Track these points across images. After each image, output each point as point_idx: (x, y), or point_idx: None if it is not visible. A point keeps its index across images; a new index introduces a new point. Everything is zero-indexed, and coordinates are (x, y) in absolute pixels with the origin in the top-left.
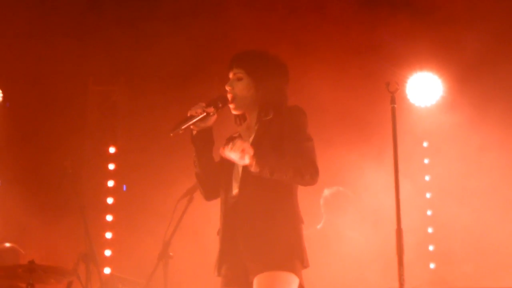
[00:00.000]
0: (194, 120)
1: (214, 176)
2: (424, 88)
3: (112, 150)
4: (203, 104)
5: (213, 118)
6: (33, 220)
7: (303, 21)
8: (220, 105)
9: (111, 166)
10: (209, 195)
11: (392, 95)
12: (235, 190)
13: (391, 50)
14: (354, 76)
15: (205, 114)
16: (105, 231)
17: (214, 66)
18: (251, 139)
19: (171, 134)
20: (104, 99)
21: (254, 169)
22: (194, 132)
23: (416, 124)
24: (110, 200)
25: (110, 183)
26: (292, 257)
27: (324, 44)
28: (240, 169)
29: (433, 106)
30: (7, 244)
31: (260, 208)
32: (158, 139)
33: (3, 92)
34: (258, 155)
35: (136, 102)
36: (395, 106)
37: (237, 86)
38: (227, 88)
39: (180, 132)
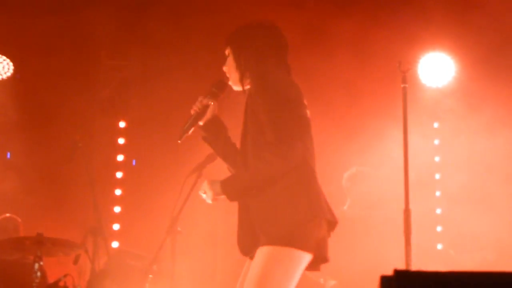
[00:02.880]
0: (195, 117)
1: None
2: (436, 68)
3: (122, 124)
4: (200, 98)
5: (214, 107)
6: (42, 193)
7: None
8: (215, 90)
9: (121, 141)
10: None
11: (404, 75)
12: None
13: (404, 29)
14: (366, 55)
15: (204, 107)
16: (113, 205)
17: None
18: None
19: (179, 141)
20: (116, 74)
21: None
22: (202, 130)
23: (427, 105)
24: (119, 174)
25: (120, 158)
26: (299, 226)
27: (335, 24)
28: None
29: (444, 87)
30: (7, 214)
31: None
32: (168, 114)
33: (14, 65)
34: (225, 189)
35: (147, 77)
36: (407, 86)
37: (227, 62)
38: (224, 69)
39: (188, 134)
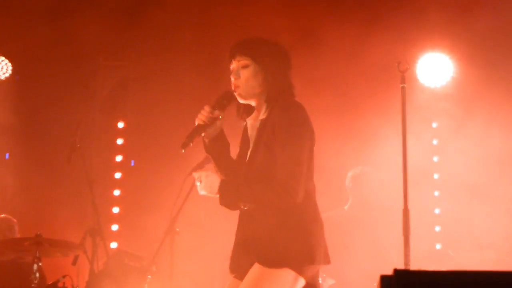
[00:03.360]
0: (202, 128)
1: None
2: (435, 68)
3: (121, 125)
4: (208, 109)
5: (222, 120)
6: (41, 194)
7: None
8: (225, 102)
9: (120, 141)
10: None
11: (402, 75)
12: None
13: (403, 29)
14: (365, 55)
15: (213, 119)
16: (112, 205)
17: (226, 41)
18: (253, 139)
19: (183, 151)
20: (114, 74)
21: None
22: (207, 141)
23: (425, 105)
24: (118, 175)
25: (118, 158)
26: (295, 254)
27: (334, 25)
28: None
29: (443, 87)
30: (2, 215)
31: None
32: (167, 114)
33: (13, 66)
34: (223, 192)
35: (146, 78)
36: (405, 86)
37: (243, 73)
38: (233, 77)
39: (191, 145)
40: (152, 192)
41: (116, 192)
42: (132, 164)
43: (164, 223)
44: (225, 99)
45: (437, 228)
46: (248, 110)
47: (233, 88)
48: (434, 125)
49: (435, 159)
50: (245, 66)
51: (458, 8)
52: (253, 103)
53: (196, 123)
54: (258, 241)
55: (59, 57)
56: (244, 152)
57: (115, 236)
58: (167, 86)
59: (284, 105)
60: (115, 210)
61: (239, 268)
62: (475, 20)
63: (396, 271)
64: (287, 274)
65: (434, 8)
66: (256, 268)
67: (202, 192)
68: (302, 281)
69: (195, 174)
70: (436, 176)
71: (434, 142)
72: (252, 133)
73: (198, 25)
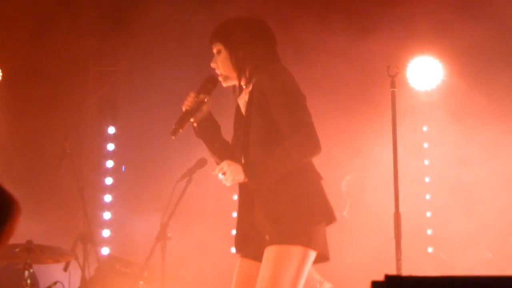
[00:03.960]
0: (190, 113)
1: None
2: (425, 72)
3: (111, 130)
4: (193, 94)
5: (209, 104)
6: (31, 200)
7: (303, 5)
8: (210, 86)
9: (111, 147)
10: None
11: (392, 79)
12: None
13: (392, 34)
14: (354, 59)
15: (199, 103)
16: (103, 211)
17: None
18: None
19: (173, 137)
20: (105, 80)
21: (252, 186)
22: (195, 125)
23: (416, 108)
24: (109, 181)
25: (109, 164)
26: (306, 225)
27: (324, 28)
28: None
29: (433, 90)
30: None
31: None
32: (157, 119)
33: (2, 72)
34: (249, 173)
35: (136, 83)
36: (395, 90)
37: (219, 59)
38: (212, 65)
39: (181, 131)
40: (143, 198)
41: (107, 198)
42: (123, 169)
43: (155, 229)
44: (209, 83)
45: (429, 232)
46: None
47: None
48: (425, 128)
49: (426, 162)
50: (218, 52)
51: (447, 12)
52: (237, 83)
53: (183, 110)
54: (269, 216)
55: (49, 62)
56: (237, 133)
57: (106, 242)
58: (158, 90)
59: (267, 71)
60: (106, 215)
61: (247, 247)
62: (465, 24)
63: (387, 276)
64: (300, 249)
65: (423, 12)
66: (272, 249)
67: (228, 183)
68: (313, 254)
69: (216, 169)
70: (427, 179)
71: (425, 145)
72: (244, 109)
73: (187, 30)
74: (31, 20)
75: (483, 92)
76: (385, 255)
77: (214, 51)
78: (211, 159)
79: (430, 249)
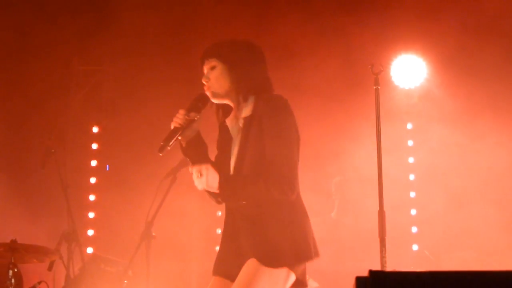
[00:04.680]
0: (179, 131)
1: None
2: (408, 70)
3: (95, 129)
4: (183, 112)
5: (198, 123)
6: (15, 200)
7: (288, 4)
8: (200, 104)
9: (94, 146)
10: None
11: (376, 77)
12: None
13: (376, 32)
14: (338, 57)
15: (189, 121)
16: (88, 211)
17: (200, 46)
18: (238, 138)
19: (160, 154)
20: (89, 79)
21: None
22: (184, 144)
23: (400, 106)
24: (93, 180)
25: (93, 163)
26: (286, 252)
27: (308, 26)
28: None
29: (417, 88)
30: None
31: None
32: (141, 119)
33: None
34: (224, 186)
35: (120, 82)
36: (379, 88)
37: (212, 74)
38: (203, 81)
39: (169, 148)
40: (128, 197)
41: (92, 197)
42: (107, 168)
43: (140, 228)
44: (200, 102)
45: (414, 229)
46: (226, 111)
47: (205, 90)
48: (409, 126)
49: (411, 160)
50: (212, 67)
51: (429, 11)
52: (228, 102)
53: (172, 126)
54: (255, 239)
55: (33, 62)
56: (224, 154)
57: (90, 241)
58: (142, 90)
59: (268, 101)
60: (91, 215)
61: (226, 266)
62: (447, 21)
63: (371, 272)
64: (282, 272)
65: (406, 10)
66: (252, 264)
67: (200, 187)
68: (293, 277)
69: (193, 168)
70: (412, 177)
71: (410, 143)
72: (234, 132)
73: (173, 28)
74: (14, 19)
75: (466, 88)
76: (370, 254)
77: (207, 67)
78: None
79: (415, 247)
